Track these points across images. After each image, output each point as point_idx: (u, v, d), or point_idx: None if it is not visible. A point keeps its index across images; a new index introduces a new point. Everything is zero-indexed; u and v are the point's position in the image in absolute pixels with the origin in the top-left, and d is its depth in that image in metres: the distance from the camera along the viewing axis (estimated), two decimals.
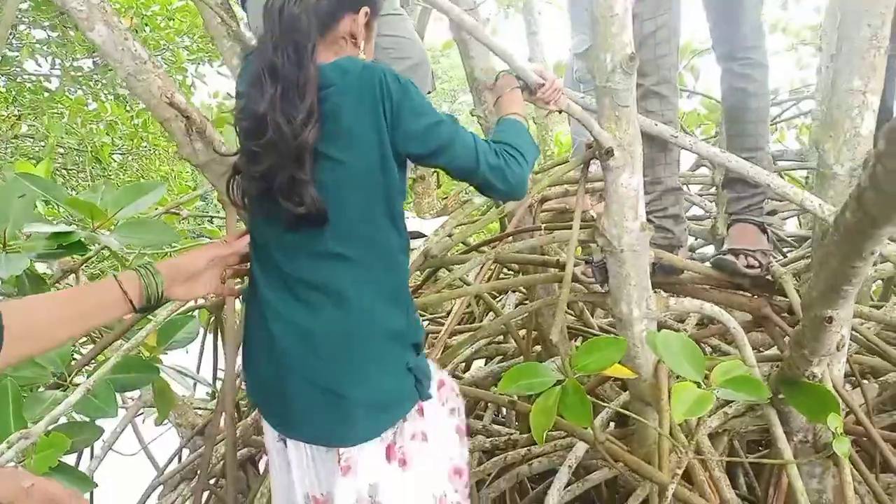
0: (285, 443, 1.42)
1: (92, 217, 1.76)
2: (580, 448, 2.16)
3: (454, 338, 3.00)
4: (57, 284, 2.26)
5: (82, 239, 1.78)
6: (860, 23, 1.69)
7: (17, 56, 6.24)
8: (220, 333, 3.19)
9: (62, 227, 1.80)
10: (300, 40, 1.27)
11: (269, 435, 1.47)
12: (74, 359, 2.04)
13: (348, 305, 1.33)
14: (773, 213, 2.70)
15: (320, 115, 1.28)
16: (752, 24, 2.25)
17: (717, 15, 2.28)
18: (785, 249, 3.47)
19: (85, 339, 2.20)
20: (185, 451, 3.51)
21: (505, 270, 3.14)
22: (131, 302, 1.09)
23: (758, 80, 2.27)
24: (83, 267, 2.52)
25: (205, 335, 3.38)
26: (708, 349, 2.79)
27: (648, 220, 1.91)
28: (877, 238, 1.09)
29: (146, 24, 6.14)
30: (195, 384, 2.27)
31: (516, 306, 3.16)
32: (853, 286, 1.30)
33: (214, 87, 7.03)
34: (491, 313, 3.22)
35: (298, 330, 1.34)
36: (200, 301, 2.84)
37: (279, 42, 1.28)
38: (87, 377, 1.82)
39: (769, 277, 2.08)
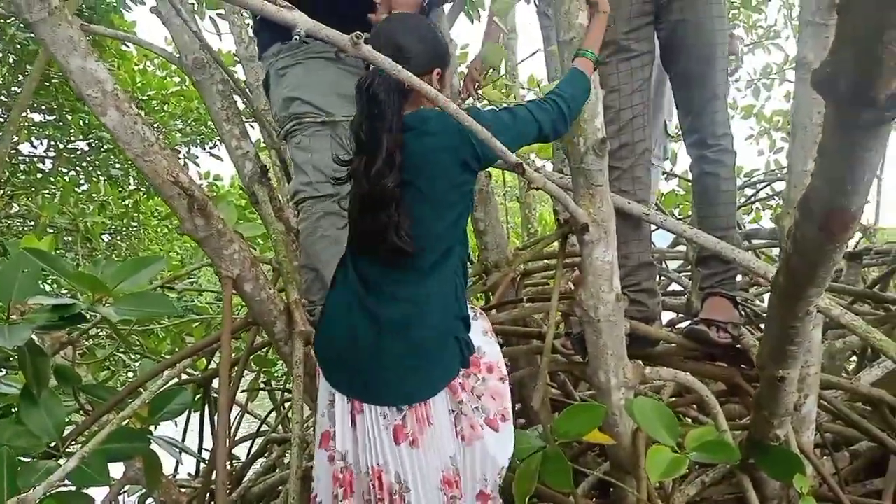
0: (354, 421, 1.69)
1: (93, 290, 1.84)
2: None
3: None
4: (55, 356, 2.31)
5: (83, 311, 1.85)
6: (811, 110, 1.84)
7: (15, 138, 6.39)
8: (207, 408, 3.21)
9: (64, 300, 1.87)
10: (379, 113, 1.61)
11: (339, 416, 1.71)
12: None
13: (429, 303, 1.69)
14: (745, 289, 2.81)
15: (401, 162, 1.61)
16: (720, 115, 2.39)
17: (687, 108, 2.43)
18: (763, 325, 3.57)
19: (77, 409, 2.24)
20: None
21: None
22: None
23: (728, 165, 2.40)
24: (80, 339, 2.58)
25: (189, 412, 3.39)
26: (688, 420, 2.86)
27: (623, 294, 2.02)
28: (807, 299, 1.20)
29: (142, 108, 6.34)
30: (181, 453, 2.30)
31: None
32: (797, 346, 1.39)
33: (205, 168, 7.25)
34: None
35: (387, 321, 1.68)
36: (184, 376, 2.90)
37: (363, 116, 1.63)
38: (80, 447, 1.86)
39: (739, 347, 2.17)
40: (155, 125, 6.62)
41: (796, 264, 1.12)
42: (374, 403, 1.67)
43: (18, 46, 5.65)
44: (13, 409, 2.99)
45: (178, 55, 2.45)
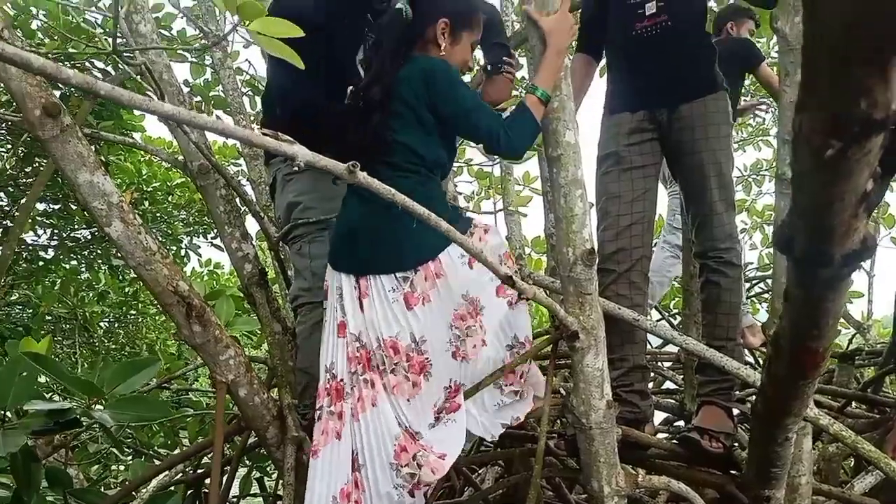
0: (362, 305, 1.88)
1: (88, 394, 1.86)
2: None
3: None
4: (47, 460, 2.30)
5: (78, 416, 1.86)
6: None
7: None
8: None
9: (59, 405, 1.89)
10: (386, 44, 1.93)
11: (349, 304, 1.89)
12: None
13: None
14: (743, 401, 2.81)
15: (389, 85, 1.88)
16: (726, 230, 2.43)
17: (691, 219, 2.49)
18: None
19: None
20: None
21: (484, 444, 3.19)
22: None
23: (730, 276, 2.41)
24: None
25: None
26: None
27: (616, 395, 2.03)
28: (785, 427, 1.22)
29: (146, 199, 6.47)
30: None
31: (495, 480, 3.19)
32: (780, 468, 1.40)
33: (206, 257, 7.37)
34: (470, 487, 3.23)
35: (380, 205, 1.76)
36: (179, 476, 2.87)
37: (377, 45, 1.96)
38: None
39: (728, 455, 2.16)
40: (158, 216, 6.74)
41: (772, 396, 1.15)
42: (382, 274, 1.86)
43: (29, 139, 5.80)
44: None
45: (182, 160, 2.55)
